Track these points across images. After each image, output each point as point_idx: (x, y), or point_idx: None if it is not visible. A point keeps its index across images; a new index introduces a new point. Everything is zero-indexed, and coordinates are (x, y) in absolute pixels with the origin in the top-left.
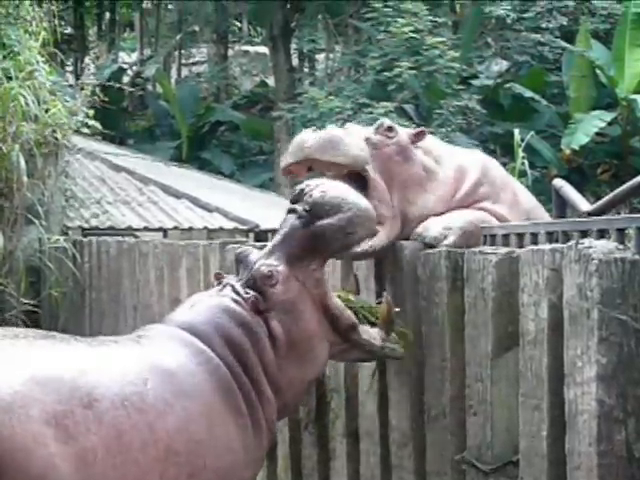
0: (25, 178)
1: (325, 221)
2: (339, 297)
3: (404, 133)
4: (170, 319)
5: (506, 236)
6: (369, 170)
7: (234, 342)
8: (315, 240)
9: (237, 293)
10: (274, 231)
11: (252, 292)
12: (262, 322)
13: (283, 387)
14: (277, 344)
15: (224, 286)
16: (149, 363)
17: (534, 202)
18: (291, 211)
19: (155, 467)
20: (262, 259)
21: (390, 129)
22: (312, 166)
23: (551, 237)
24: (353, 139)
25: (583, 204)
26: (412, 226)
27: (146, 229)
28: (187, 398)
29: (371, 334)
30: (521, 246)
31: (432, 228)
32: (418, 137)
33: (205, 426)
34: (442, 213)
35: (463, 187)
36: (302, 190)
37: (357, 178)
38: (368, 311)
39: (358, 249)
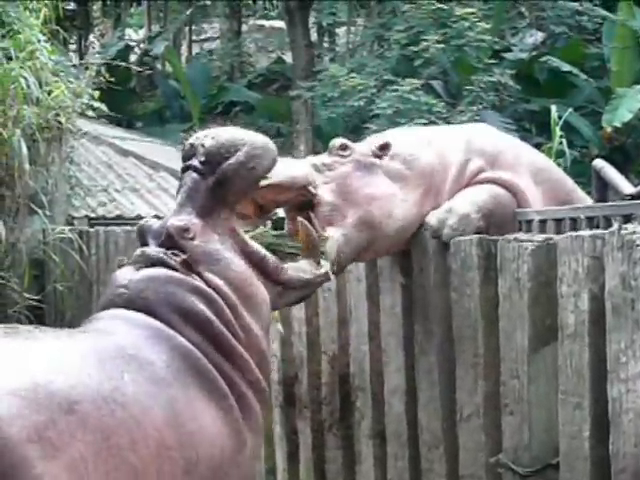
0: (27, 165)
1: (224, 164)
2: (255, 239)
3: (364, 146)
4: (115, 302)
5: (543, 222)
6: (312, 189)
7: (194, 316)
8: (220, 187)
9: (162, 261)
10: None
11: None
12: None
13: (247, 340)
14: (223, 295)
15: (140, 257)
16: (121, 353)
17: (545, 164)
18: (186, 169)
19: (150, 464)
20: (171, 218)
21: (343, 147)
22: (256, 199)
23: (592, 222)
24: (291, 162)
25: (626, 186)
26: (394, 238)
27: (156, 218)
28: (169, 387)
29: (300, 267)
30: (559, 232)
31: (447, 222)
32: (383, 150)
33: (191, 415)
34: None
35: (449, 174)
36: (192, 145)
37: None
38: (292, 245)
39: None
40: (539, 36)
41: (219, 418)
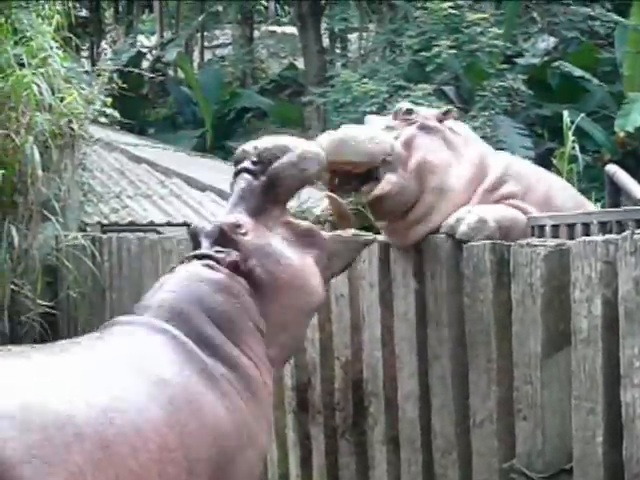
0: (40, 172)
1: (277, 163)
2: None
3: (428, 112)
4: (139, 305)
5: (556, 227)
6: (389, 157)
7: (215, 311)
8: (272, 185)
9: (209, 257)
10: None
11: (224, 249)
12: (241, 279)
13: (274, 332)
14: (263, 290)
15: (191, 258)
16: (119, 358)
17: (574, 203)
18: (239, 172)
19: (152, 469)
20: (223, 217)
21: (409, 112)
22: (332, 168)
23: (604, 227)
24: (367, 134)
25: (639, 191)
26: (431, 202)
27: (169, 224)
28: (169, 387)
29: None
30: (572, 238)
31: (464, 220)
32: (446, 116)
33: (192, 415)
34: (462, 202)
35: (486, 180)
36: (244, 150)
37: None
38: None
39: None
40: (551, 41)
41: (223, 417)
